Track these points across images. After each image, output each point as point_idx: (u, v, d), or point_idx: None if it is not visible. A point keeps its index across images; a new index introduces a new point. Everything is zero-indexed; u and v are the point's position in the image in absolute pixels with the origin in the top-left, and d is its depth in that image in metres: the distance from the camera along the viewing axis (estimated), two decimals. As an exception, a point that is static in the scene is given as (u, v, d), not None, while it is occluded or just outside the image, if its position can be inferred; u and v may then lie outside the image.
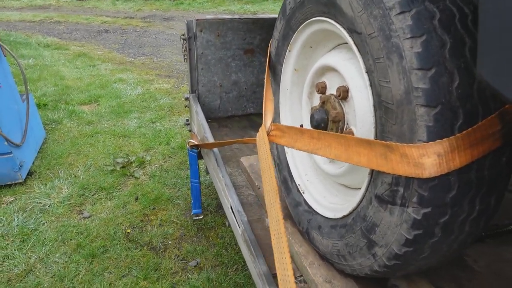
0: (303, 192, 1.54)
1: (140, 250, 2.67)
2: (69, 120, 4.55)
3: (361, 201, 1.10)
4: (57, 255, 2.60)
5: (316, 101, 1.46)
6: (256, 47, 3.03)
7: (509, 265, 1.48)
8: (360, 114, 1.13)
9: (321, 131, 1.16)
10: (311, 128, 1.37)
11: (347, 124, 1.26)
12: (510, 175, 0.90)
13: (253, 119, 3.15)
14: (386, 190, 0.93)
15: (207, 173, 3.06)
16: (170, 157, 3.84)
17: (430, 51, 0.81)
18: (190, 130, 3.09)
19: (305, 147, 1.22)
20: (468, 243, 0.99)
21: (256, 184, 1.97)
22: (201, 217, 2.83)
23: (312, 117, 1.34)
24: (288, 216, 1.67)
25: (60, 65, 6.72)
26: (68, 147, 3.93)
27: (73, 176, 3.47)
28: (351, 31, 1.03)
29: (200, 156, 2.66)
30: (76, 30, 10.14)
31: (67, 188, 3.31)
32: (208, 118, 3.09)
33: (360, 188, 1.29)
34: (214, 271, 2.52)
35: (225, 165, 2.29)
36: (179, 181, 3.44)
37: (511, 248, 1.58)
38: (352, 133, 1.22)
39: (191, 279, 2.47)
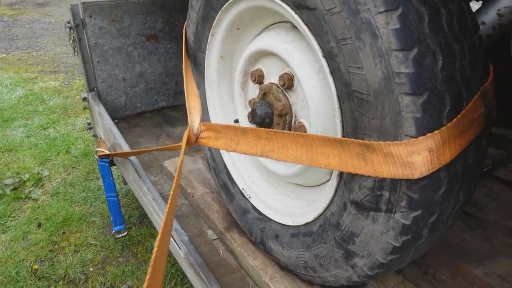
0: (249, 197, 1.35)
1: (55, 287, 2.23)
2: None
3: (329, 206, 0.95)
4: None
5: (253, 93, 1.26)
6: (159, 32, 2.67)
7: (452, 232, 1.52)
8: (314, 105, 0.97)
9: (271, 130, 0.97)
10: (254, 126, 1.17)
11: (295, 117, 1.10)
12: (485, 157, 0.84)
13: (168, 113, 2.83)
14: (367, 195, 0.79)
15: (125, 183, 2.68)
16: (73, 167, 3.30)
17: (409, 27, 0.66)
18: (94, 136, 2.64)
19: (251, 149, 1.02)
20: (446, 234, 0.92)
21: (189, 191, 1.72)
22: (125, 233, 2.47)
23: (253, 112, 1.14)
24: (234, 224, 1.47)
25: None
26: None
27: None
28: (299, 7, 0.85)
29: (112, 163, 2.28)
30: None
31: None
32: (114, 118, 2.67)
33: (317, 186, 1.15)
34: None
35: (147, 173, 1.98)
36: (89, 194, 2.97)
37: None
38: (304, 127, 1.06)
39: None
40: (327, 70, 0.82)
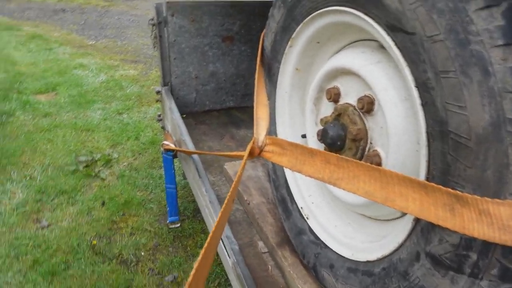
0: (306, 218, 1.29)
1: (108, 265, 2.36)
2: (23, 112, 4.05)
3: (397, 250, 0.85)
4: (9, 274, 2.24)
5: (326, 110, 1.19)
6: (235, 34, 2.70)
7: None
8: (395, 136, 0.88)
9: (343, 157, 0.89)
10: (321, 148, 1.11)
11: (371, 143, 1.01)
12: None
13: (234, 114, 2.85)
14: (448, 252, 0.69)
15: (184, 177, 2.76)
16: (140, 154, 3.48)
17: (534, 66, 0.55)
18: (162, 127, 2.75)
19: (317, 173, 0.95)
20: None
21: (245, 198, 1.70)
22: (178, 225, 2.54)
23: (324, 132, 1.07)
24: (286, 241, 1.42)
25: (11, 48, 6.04)
26: (22, 144, 3.47)
27: (28, 178, 3.06)
28: (393, 29, 0.76)
29: (175, 156, 2.35)
30: (29, 9, 9.22)
31: (21, 192, 2.90)
32: (183, 113, 2.76)
33: (386, 221, 1.05)
34: None
35: (207, 173, 2.00)
36: (151, 181, 3.10)
37: None
38: (379, 156, 0.97)
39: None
40: (417, 101, 0.73)
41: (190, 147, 1.94)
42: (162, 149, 2.26)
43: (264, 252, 1.50)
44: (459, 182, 0.65)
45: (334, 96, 1.11)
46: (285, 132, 1.39)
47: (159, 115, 2.81)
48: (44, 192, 2.90)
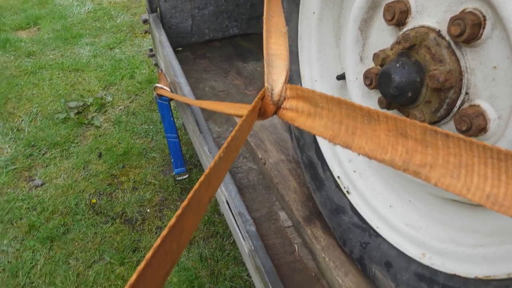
0: (347, 192, 0.94)
1: (111, 225, 2.14)
2: (3, 52, 3.61)
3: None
4: (5, 241, 2.05)
5: (380, 39, 0.77)
6: None
7: None
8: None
9: (436, 128, 0.50)
10: (371, 96, 0.72)
11: (467, 94, 0.62)
12: None
13: (239, 44, 2.39)
14: None
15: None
16: (137, 94, 3.10)
17: None
18: (156, 65, 2.32)
19: (380, 153, 0.56)
20: None
21: (260, 156, 1.35)
22: (186, 176, 2.26)
23: (384, 75, 0.67)
24: (317, 214, 1.10)
25: (-16, -23, 5.34)
26: (5, 91, 3.11)
27: (15, 129, 2.75)
28: None
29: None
30: None
31: (9, 147, 2.61)
32: (178, 46, 2.31)
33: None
34: (207, 245, 2.04)
35: (210, 122, 1.64)
36: (151, 127, 2.77)
37: None
38: (483, 117, 0.59)
39: (180, 258, 2.00)
40: None
41: (186, 91, 1.54)
42: (155, 93, 1.88)
43: (288, 226, 1.19)
44: None
45: (400, 16, 0.68)
46: (311, 72, 0.98)
47: (151, 50, 2.37)
48: (34, 145, 2.61)
